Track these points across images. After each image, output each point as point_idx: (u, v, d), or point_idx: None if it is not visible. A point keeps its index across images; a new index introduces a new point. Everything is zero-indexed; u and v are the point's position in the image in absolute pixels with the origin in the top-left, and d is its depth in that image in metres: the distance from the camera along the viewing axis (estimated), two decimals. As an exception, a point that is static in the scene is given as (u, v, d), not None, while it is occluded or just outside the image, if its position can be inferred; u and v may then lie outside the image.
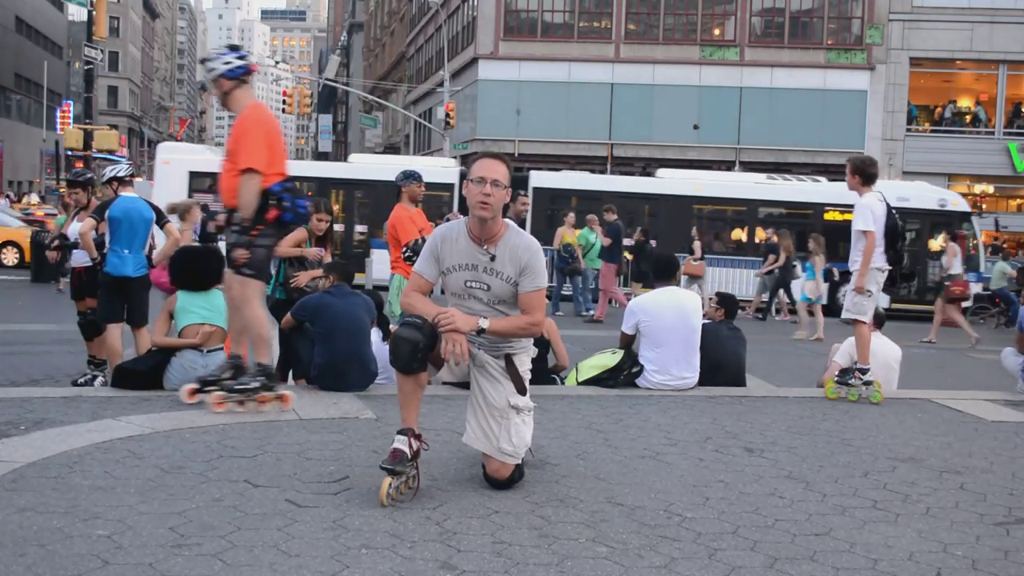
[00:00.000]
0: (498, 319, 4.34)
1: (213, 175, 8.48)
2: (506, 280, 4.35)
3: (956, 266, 16.53)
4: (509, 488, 4.44)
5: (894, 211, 7.61)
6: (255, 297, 5.86)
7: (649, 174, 27.15)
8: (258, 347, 5.86)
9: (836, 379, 7.51)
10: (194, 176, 22.00)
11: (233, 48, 6.01)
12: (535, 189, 22.49)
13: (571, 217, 18.97)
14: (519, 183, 23.37)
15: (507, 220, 4.52)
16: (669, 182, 23.59)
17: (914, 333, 15.84)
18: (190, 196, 18.29)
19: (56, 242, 9.05)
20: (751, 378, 8.38)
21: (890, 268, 7.60)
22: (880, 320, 8.16)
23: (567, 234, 18.41)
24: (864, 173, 7.65)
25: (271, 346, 6.19)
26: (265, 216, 5.75)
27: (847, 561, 3.74)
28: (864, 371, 7.37)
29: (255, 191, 5.70)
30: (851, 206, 7.78)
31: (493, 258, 4.35)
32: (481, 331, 4.25)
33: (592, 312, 17.48)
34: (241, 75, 5.91)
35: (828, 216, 22.59)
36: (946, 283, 16.37)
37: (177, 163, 22.69)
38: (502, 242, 4.38)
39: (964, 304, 17.26)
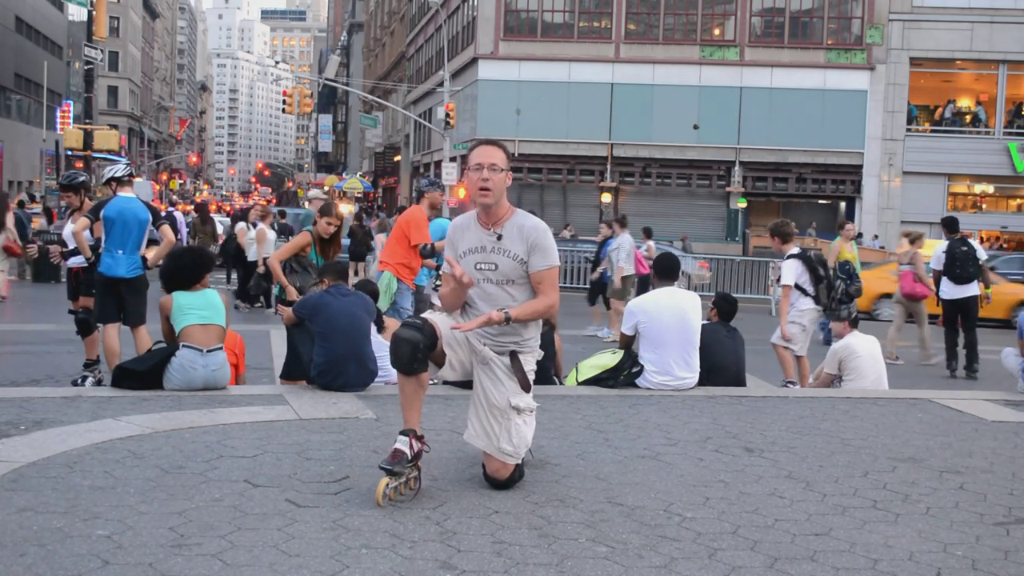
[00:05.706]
0: (519, 307, 4.40)
1: None
2: (513, 258, 4.43)
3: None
4: (509, 488, 4.44)
5: (816, 264, 8.95)
6: None
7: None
8: None
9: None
10: None
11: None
12: None
13: (850, 228, 14.33)
14: None
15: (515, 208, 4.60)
16: None
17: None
18: None
19: (57, 249, 9.02)
20: (751, 378, 8.38)
21: (820, 308, 9.01)
22: (855, 321, 8.83)
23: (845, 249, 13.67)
24: (782, 234, 9.08)
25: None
26: None
27: (847, 561, 3.74)
28: (791, 384, 8.64)
29: None
30: None
31: (500, 237, 4.45)
32: (507, 319, 4.29)
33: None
34: None
35: None
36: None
37: None
38: (509, 223, 4.48)
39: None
